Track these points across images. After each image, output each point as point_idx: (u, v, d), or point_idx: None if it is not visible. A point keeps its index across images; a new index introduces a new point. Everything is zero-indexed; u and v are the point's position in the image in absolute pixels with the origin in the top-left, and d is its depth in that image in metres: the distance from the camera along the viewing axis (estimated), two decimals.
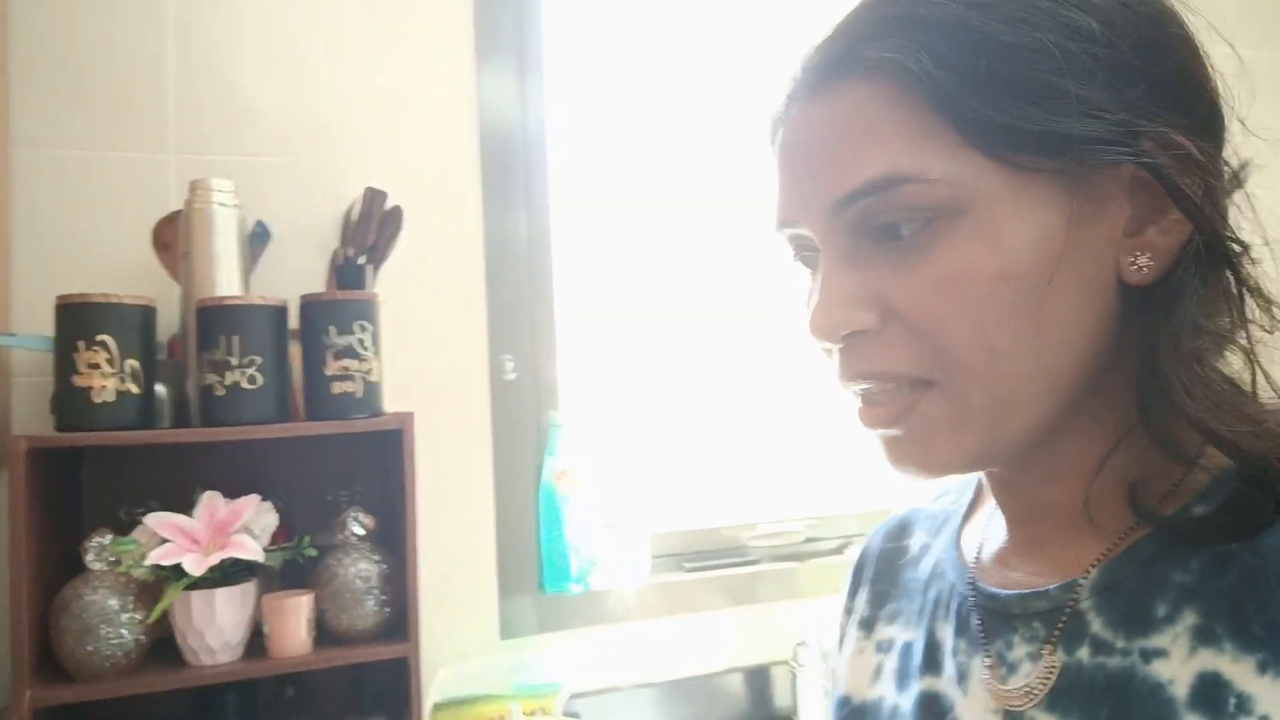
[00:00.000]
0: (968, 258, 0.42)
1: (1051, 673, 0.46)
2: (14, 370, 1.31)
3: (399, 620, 1.24)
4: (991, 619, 0.50)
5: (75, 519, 1.28)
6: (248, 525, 1.18)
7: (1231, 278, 0.43)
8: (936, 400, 0.44)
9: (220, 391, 1.17)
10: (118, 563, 1.14)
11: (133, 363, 1.15)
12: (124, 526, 1.19)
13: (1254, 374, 0.44)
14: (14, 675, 1.08)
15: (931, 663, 0.54)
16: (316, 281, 1.41)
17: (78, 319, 1.13)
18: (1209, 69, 0.46)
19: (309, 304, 1.24)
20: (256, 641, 1.21)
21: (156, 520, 1.14)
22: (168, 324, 1.27)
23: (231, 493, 1.20)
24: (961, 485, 0.62)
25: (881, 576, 0.62)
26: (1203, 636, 0.41)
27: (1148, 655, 0.43)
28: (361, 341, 1.23)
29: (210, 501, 1.18)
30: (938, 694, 0.52)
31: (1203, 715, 0.40)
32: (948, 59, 0.42)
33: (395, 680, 1.24)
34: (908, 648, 0.56)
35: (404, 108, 1.51)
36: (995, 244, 0.42)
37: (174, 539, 1.13)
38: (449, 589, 1.48)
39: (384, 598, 1.23)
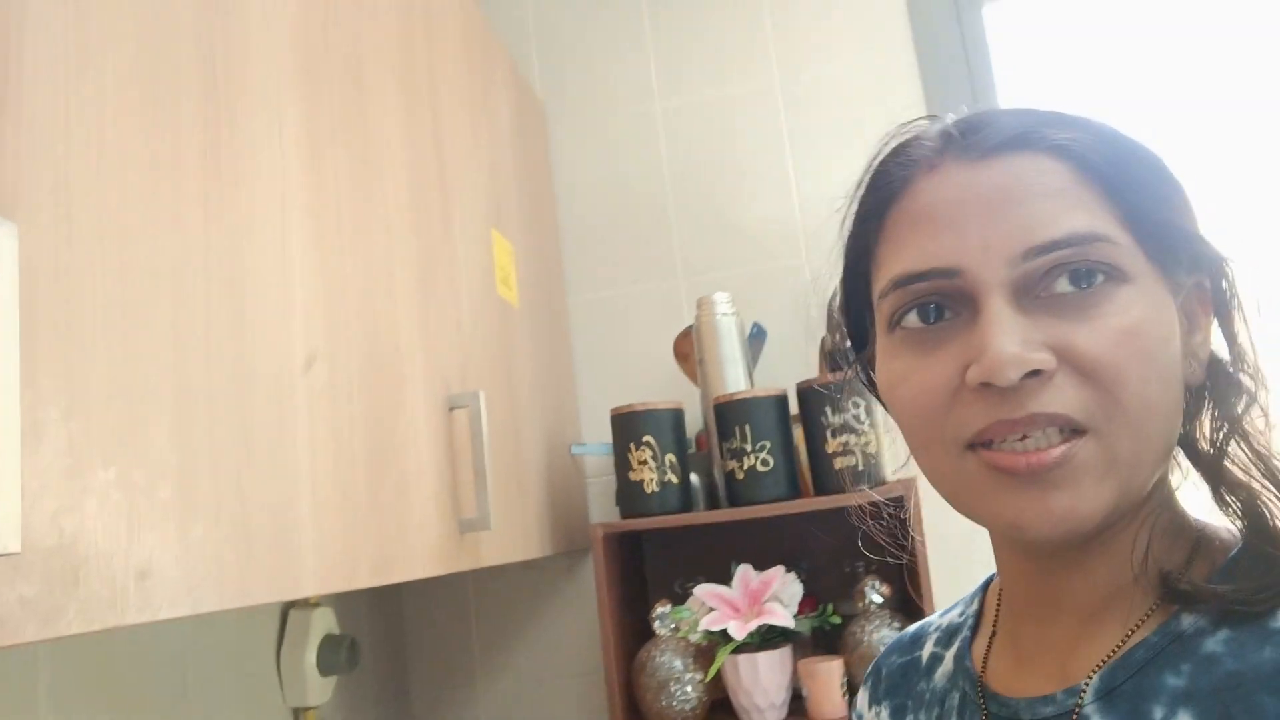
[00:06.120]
0: (1143, 315, 0.47)
1: None
2: (587, 472, 1.63)
3: None
4: None
5: (642, 592, 1.53)
6: (777, 594, 1.31)
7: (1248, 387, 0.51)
8: (1090, 447, 0.46)
9: (740, 475, 1.33)
10: (677, 629, 1.33)
11: (671, 457, 1.36)
12: (679, 598, 1.39)
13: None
14: None
15: None
16: (811, 369, 1.54)
17: (627, 425, 1.38)
18: None
19: (805, 390, 1.36)
20: (796, 704, 1.32)
21: (704, 591, 1.32)
22: (693, 422, 1.49)
23: (760, 565, 1.35)
24: (967, 600, 0.65)
25: (898, 691, 0.64)
26: None
27: None
28: (856, 417, 1.31)
29: (744, 573, 1.33)
30: None
31: None
32: (1111, 158, 0.50)
33: None
34: None
35: None
36: (1156, 311, 0.48)
37: (718, 607, 1.30)
38: None
39: None
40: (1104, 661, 0.50)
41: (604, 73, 1.78)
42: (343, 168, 0.90)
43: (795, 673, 1.31)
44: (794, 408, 1.38)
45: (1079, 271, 0.47)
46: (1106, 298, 0.47)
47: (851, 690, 1.29)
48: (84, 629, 0.52)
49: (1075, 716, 0.49)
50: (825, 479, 1.32)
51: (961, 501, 0.51)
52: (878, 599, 1.32)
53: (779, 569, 1.34)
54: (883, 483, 1.32)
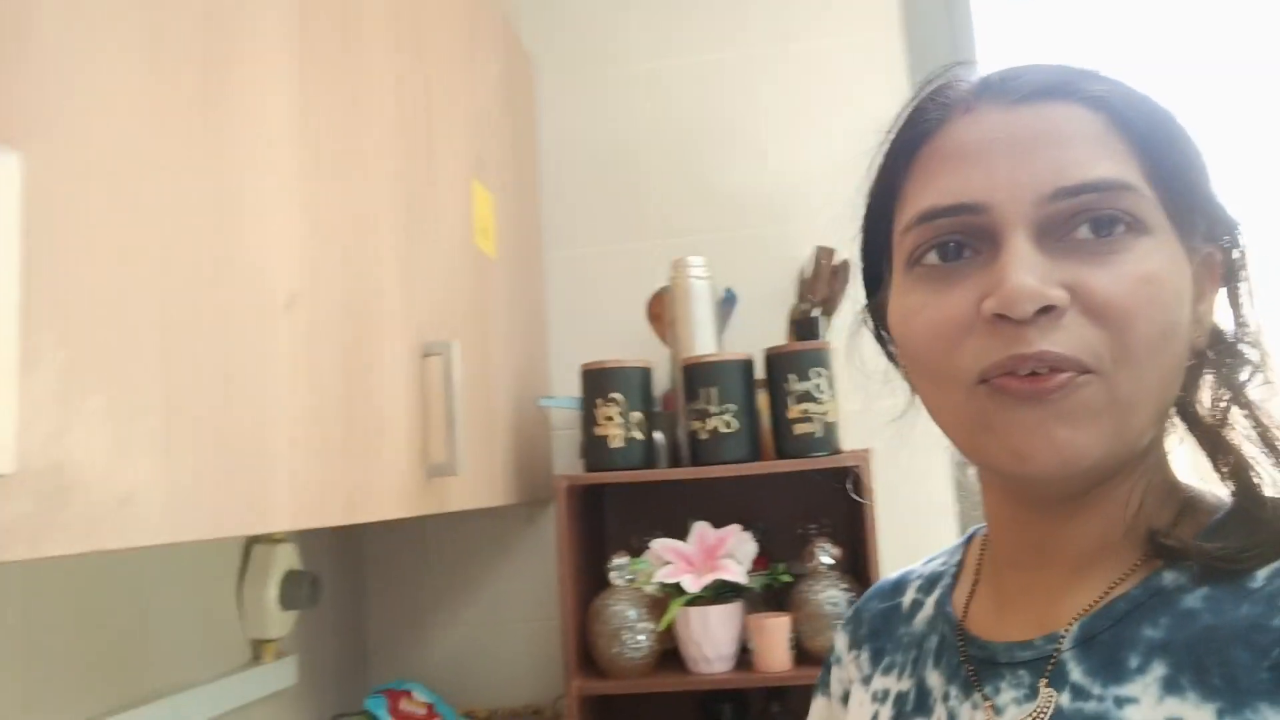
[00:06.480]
0: (1160, 266, 0.49)
1: (1040, 715, 0.50)
2: (554, 425, 1.66)
3: None
4: (980, 667, 0.55)
5: (600, 544, 1.57)
6: (732, 552, 1.36)
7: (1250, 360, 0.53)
8: (1094, 386, 0.47)
9: (704, 436, 1.37)
10: (633, 580, 1.38)
11: (636, 415, 1.40)
12: (636, 550, 1.43)
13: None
14: (565, 668, 1.36)
15: (922, 707, 0.58)
16: (778, 335, 1.58)
17: (596, 381, 1.41)
18: None
19: (772, 356, 1.40)
20: (744, 658, 1.37)
21: (660, 545, 1.36)
22: (661, 381, 1.52)
23: (717, 523, 1.39)
24: (950, 551, 0.66)
25: (878, 635, 0.65)
26: (1170, 686, 0.47)
27: (1121, 702, 0.48)
28: (818, 387, 1.35)
29: (701, 530, 1.37)
30: None
31: None
32: (1143, 115, 0.51)
33: None
34: (901, 696, 0.60)
35: (842, 173, 1.63)
36: (1172, 265, 0.50)
37: (674, 561, 1.35)
38: None
39: None
40: (1085, 611, 0.51)
41: (593, 30, 1.77)
42: (332, 112, 0.90)
43: (745, 627, 1.36)
44: (760, 373, 1.41)
45: (1101, 219, 0.48)
46: (1126, 247, 0.48)
47: (798, 646, 1.34)
48: (68, 551, 0.54)
49: (1052, 661, 0.51)
50: (786, 444, 1.36)
51: (967, 434, 0.52)
52: (828, 560, 1.37)
53: (735, 527, 1.38)
54: (839, 452, 1.36)
